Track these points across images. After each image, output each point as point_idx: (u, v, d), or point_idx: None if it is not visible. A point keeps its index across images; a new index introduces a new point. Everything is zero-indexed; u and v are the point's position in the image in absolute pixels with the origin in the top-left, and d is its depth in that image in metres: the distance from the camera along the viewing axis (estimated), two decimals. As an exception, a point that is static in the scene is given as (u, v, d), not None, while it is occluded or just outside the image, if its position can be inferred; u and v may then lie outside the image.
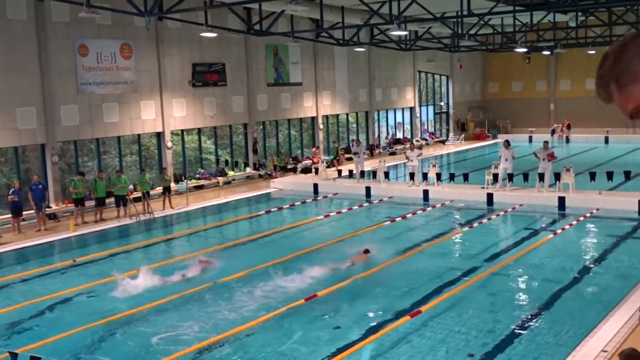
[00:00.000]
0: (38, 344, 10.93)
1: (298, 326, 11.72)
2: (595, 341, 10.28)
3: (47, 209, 21.43)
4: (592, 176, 22.19)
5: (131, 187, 23.43)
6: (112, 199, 22.63)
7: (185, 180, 26.03)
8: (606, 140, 42.63)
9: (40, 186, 20.59)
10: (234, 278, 14.59)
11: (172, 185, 25.19)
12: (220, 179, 28.49)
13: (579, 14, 32.49)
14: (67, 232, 20.24)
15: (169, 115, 26.83)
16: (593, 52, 42.68)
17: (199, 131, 29.17)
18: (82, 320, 12.15)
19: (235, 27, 27.60)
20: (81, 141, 24.46)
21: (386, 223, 20.14)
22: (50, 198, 22.36)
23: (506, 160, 23.53)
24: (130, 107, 25.40)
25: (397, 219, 20.64)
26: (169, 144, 26.85)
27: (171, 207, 23.38)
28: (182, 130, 28.09)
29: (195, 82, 27.94)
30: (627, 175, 22.19)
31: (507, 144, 24.05)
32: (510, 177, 23.14)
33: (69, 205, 22.33)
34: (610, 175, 22.03)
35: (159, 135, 26.88)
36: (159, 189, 24.26)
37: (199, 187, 27.62)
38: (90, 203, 22.34)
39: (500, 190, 23.13)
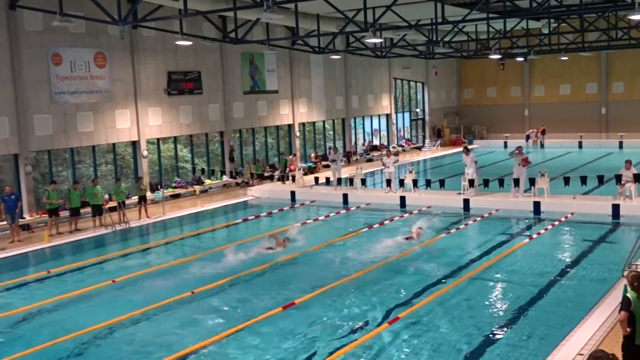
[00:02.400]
0: (12, 357, 10.78)
1: (275, 335, 11.66)
2: (571, 345, 10.35)
3: (20, 220, 21.16)
4: (567, 181, 22.41)
5: (107, 196, 23.21)
6: (88, 209, 22.41)
7: (162, 189, 25.87)
8: (580, 145, 43.13)
9: (12, 197, 20.32)
10: (212, 287, 14.51)
11: (148, 194, 25.01)
12: (197, 188, 28.35)
13: (552, 20, 32.89)
14: (42, 243, 20.00)
15: (144, 123, 26.65)
16: (566, 58, 43.14)
17: (175, 140, 29.01)
18: (58, 332, 12.01)
19: (210, 35, 27.54)
20: (55, 151, 24.19)
21: (364, 230, 20.16)
22: (23, 209, 22.09)
23: (466, 166, 23.73)
24: (105, 116, 25.20)
25: (374, 226, 20.66)
26: (145, 153, 26.67)
27: (147, 217, 23.20)
28: (158, 139, 27.92)
29: (171, 90, 27.80)
30: (601, 179, 22.44)
31: (466, 150, 24.24)
32: (472, 182, 23.31)
33: (43, 215, 22.07)
34: (584, 180, 22.27)
35: (135, 144, 26.68)
36: (135, 199, 24.07)
37: (176, 196, 27.46)
38: (65, 213, 22.10)
39: (475, 195, 23.28)
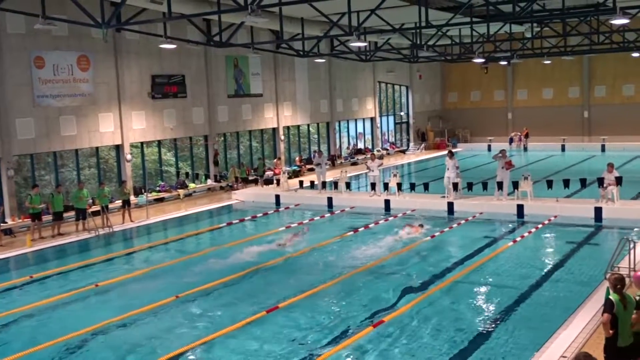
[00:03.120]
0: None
1: (259, 339, 11.64)
2: (554, 347, 10.41)
3: (2, 225, 20.96)
4: (550, 184, 22.56)
5: (90, 201, 23.05)
6: (70, 213, 22.25)
7: (145, 193, 25.73)
8: (563, 148, 43.44)
9: (-5, 201, 20.14)
10: (196, 291, 14.47)
11: (132, 198, 24.88)
12: (181, 192, 28.24)
13: (535, 25, 33.07)
14: (24, 247, 19.82)
15: (128, 127, 26.52)
16: (548, 62, 43.52)
17: (159, 143, 28.89)
18: (40, 338, 11.92)
19: (194, 39, 27.44)
20: (38, 155, 24.01)
21: (349, 233, 20.17)
22: (6, 213, 21.90)
23: (448, 169, 23.82)
24: (88, 119, 25.04)
25: (359, 229, 20.68)
26: (129, 157, 26.53)
27: (131, 221, 23.08)
28: (142, 143, 27.79)
29: (155, 94, 27.69)
30: (583, 182, 22.61)
31: (450, 154, 24.32)
32: (455, 186, 23.42)
33: (25, 220, 21.87)
34: (566, 183, 22.43)
35: (118, 148, 26.54)
36: (119, 203, 23.93)
37: (160, 200, 27.33)
38: (47, 218, 21.93)
39: (459, 198, 23.38)
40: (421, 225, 20.27)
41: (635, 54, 40.17)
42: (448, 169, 23.89)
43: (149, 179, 27.65)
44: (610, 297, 8.10)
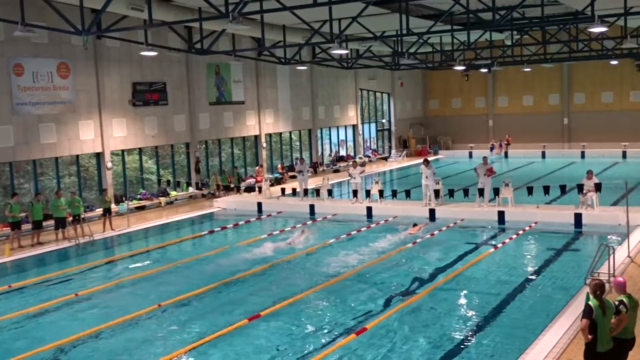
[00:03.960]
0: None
1: (241, 347, 11.58)
2: (535, 352, 10.46)
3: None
4: (530, 190, 22.70)
5: (69, 209, 22.82)
6: (50, 222, 22.03)
7: (126, 201, 25.56)
8: (543, 155, 43.79)
9: (-27, 210, 19.90)
10: (178, 299, 14.38)
11: (113, 206, 24.70)
12: (162, 199, 28.10)
13: (515, 33, 33.38)
14: (3, 256, 19.58)
15: (108, 135, 26.37)
16: (528, 69, 43.94)
17: (140, 151, 28.74)
18: (20, 348, 11.78)
19: (176, 46, 27.41)
20: (17, 163, 23.78)
21: (331, 240, 20.16)
22: (-16, 222, 21.67)
23: (427, 177, 23.89)
24: (69, 127, 24.87)
25: (341, 236, 20.68)
26: (109, 165, 26.37)
27: (112, 229, 22.91)
28: (123, 151, 27.63)
29: (136, 101, 27.57)
30: (563, 189, 22.78)
31: (426, 162, 24.36)
32: (437, 193, 23.52)
33: (4, 229, 21.63)
34: (547, 190, 22.58)
35: (99, 156, 26.36)
36: (100, 211, 23.74)
37: (141, 208, 27.17)
38: (27, 226, 21.70)
39: (441, 205, 23.48)
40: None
41: (613, 62, 40.73)
42: (426, 177, 23.93)
43: (130, 187, 27.47)
44: (590, 302, 8.16)
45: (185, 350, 11.43)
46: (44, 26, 20.68)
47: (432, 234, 20.52)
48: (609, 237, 18.71)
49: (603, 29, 21.31)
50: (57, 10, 17.85)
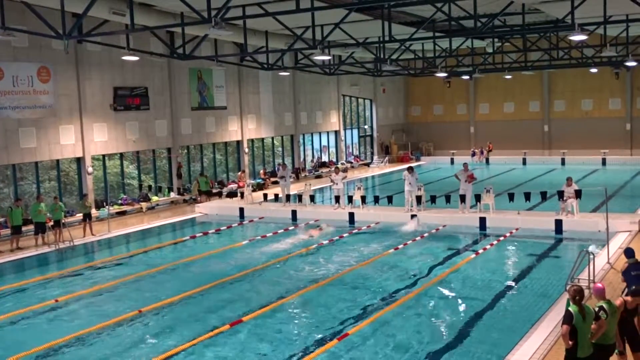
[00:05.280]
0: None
1: (222, 353, 11.53)
2: (515, 358, 10.50)
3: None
4: (511, 197, 22.84)
5: (49, 214, 22.62)
6: (30, 227, 21.82)
7: (107, 207, 25.38)
8: (524, 162, 44.08)
9: (-49, 215, 19.65)
10: (160, 305, 14.30)
11: (94, 211, 24.51)
12: (144, 205, 27.93)
13: (496, 40, 33.67)
14: (-19, 262, 19.37)
15: (89, 140, 26.18)
16: (509, 76, 44.27)
17: (121, 156, 28.56)
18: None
19: (158, 51, 27.32)
20: (-4, 167, 23.57)
21: (313, 246, 20.14)
22: (-38, 227, 21.42)
23: (410, 184, 23.95)
24: (49, 131, 24.67)
25: (323, 242, 20.67)
26: (90, 170, 26.18)
27: (92, 234, 22.73)
28: (104, 155, 27.44)
29: (117, 106, 27.42)
30: (544, 195, 22.95)
31: (410, 169, 24.39)
32: (419, 199, 23.60)
33: (-18, 234, 21.40)
34: (528, 196, 22.72)
35: (79, 161, 26.17)
36: (80, 216, 23.55)
37: (122, 213, 26.99)
38: (6, 231, 21.47)
39: (423, 211, 23.56)
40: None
41: (593, 70, 41.14)
42: (409, 183, 23.96)
43: (110, 192, 27.30)
44: (570, 308, 8.21)
45: (165, 356, 11.35)
46: (25, 30, 20.55)
47: (414, 240, 20.58)
48: (589, 243, 18.84)
49: (583, 37, 21.55)
50: (38, 14, 17.76)
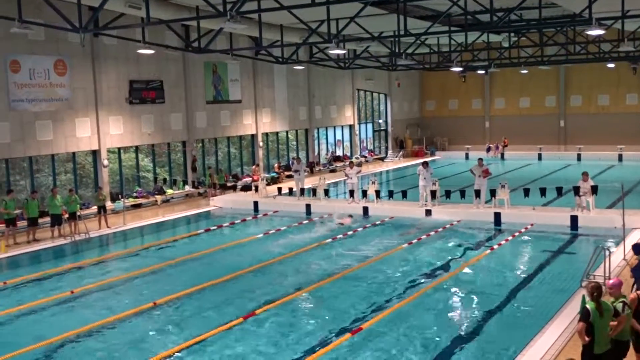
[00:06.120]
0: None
1: (237, 346, 11.57)
2: (531, 354, 10.47)
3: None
4: (526, 192, 22.73)
5: (64, 207, 22.77)
6: (46, 219, 21.99)
7: (122, 199, 25.51)
8: (539, 157, 43.81)
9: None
10: (173, 297, 14.37)
11: (109, 204, 24.64)
12: (158, 197, 28.05)
13: (512, 34, 33.44)
14: (-2, 253, 19.56)
15: (105, 132, 26.31)
16: (525, 71, 43.98)
17: (137, 149, 28.69)
18: (14, 345, 11.75)
19: (173, 44, 27.39)
20: (13, 159, 23.72)
21: (328, 240, 20.15)
22: (-21, 218, 21.61)
23: (424, 179, 23.87)
24: (65, 124, 24.81)
25: (337, 237, 20.68)
26: (105, 162, 26.31)
27: (107, 227, 22.87)
28: (119, 148, 27.58)
29: (133, 99, 27.53)
30: (559, 191, 22.81)
31: (425, 164, 24.31)
32: (433, 194, 23.53)
33: (0, 225, 21.57)
34: (543, 192, 22.61)
35: (95, 153, 26.31)
36: (95, 208, 23.68)
37: (137, 206, 27.12)
38: (22, 223, 21.65)
39: (438, 206, 23.50)
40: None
41: (610, 65, 40.79)
42: (424, 178, 23.90)
43: (126, 184, 27.45)
44: (587, 305, 8.17)
45: (179, 347, 11.42)
46: (41, 23, 20.65)
47: (428, 235, 20.53)
48: (604, 239, 18.72)
49: (600, 31, 21.35)
50: (54, 7, 17.82)
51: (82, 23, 17.94)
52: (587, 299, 8.25)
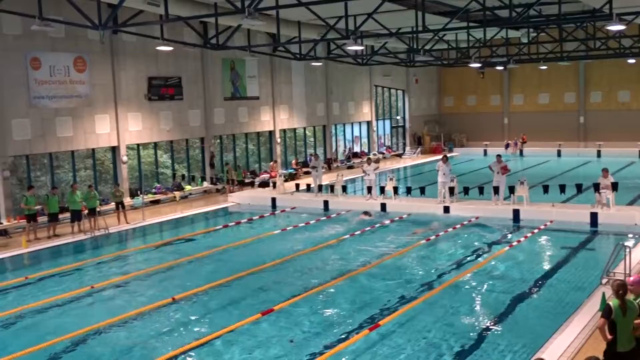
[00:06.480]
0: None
1: (254, 341, 11.62)
2: (550, 352, 10.41)
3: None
4: (546, 189, 22.59)
5: (84, 202, 22.97)
6: (66, 215, 22.19)
7: (141, 195, 25.68)
8: (559, 154, 43.52)
9: (-10, 202, 20.05)
10: (192, 293, 14.45)
11: (128, 200, 24.80)
12: (177, 194, 28.20)
13: (531, 30, 33.19)
14: (20, 248, 19.76)
15: (124, 129, 26.48)
16: (545, 67, 43.66)
17: (155, 145, 28.85)
18: (36, 339, 11.89)
19: (191, 41, 27.49)
20: (33, 156, 23.96)
21: (345, 237, 20.16)
22: (1, 214, 21.84)
23: (444, 174, 23.75)
24: (85, 121, 25.00)
25: (355, 233, 20.68)
26: (124, 158, 26.49)
27: (126, 222, 23.04)
28: (138, 145, 27.75)
29: (151, 95, 27.66)
30: (579, 188, 22.65)
31: (445, 159, 24.22)
32: (452, 190, 23.42)
33: (21, 221, 21.80)
34: (562, 188, 22.46)
35: (114, 150, 26.49)
36: (113, 204, 23.86)
37: (155, 202, 27.28)
38: (43, 219, 21.87)
39: (456, 203, 23.42)
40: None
41: (631, 61, 40.35)
42: (443, 174, 23.79)
43: (144, 180, 27.62)
44: (610, 302, 8.11)
45: (198, 343, 11.48)
46: (61, 20, 20.81)
47: (447, 231, 20.47)
48: (624, 236, 18.56)
49: (621, 27, 21.10)
50: (74, 4, 17.96)
51: (101, 20, 18.07)
52: (612, 296, 8.15)
